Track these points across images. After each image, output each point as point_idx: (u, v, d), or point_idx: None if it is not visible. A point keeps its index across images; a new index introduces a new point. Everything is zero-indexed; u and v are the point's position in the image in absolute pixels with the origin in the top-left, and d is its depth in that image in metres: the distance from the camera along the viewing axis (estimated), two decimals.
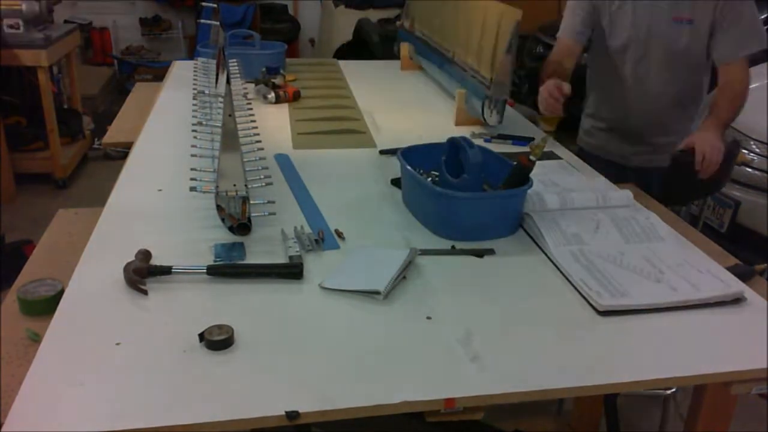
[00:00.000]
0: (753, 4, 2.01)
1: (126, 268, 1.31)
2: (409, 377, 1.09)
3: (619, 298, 1.30)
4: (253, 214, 1.52)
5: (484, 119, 2.22)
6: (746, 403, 1.32)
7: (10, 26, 3.85)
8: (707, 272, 1.41)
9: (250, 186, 1.57)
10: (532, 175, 1.87)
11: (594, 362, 1.15)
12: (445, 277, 1.39)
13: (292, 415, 0.99)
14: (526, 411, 2.28)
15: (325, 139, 2.21)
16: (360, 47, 5.40)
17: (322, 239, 1.49)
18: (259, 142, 1.84)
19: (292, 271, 1.36)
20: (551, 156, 2.08)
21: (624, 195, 1.72)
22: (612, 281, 1.36)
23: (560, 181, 1.84)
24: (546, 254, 1.49)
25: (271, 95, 2.55)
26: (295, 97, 2.59)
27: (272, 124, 2.31)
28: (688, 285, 1.35)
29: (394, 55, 3.32)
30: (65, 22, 5.27)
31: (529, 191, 1.68)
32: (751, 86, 3.71)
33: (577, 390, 1.11)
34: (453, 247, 1.50)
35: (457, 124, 2.34)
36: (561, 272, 1.41)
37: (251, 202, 1.52)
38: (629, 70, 2.15)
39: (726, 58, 2.04)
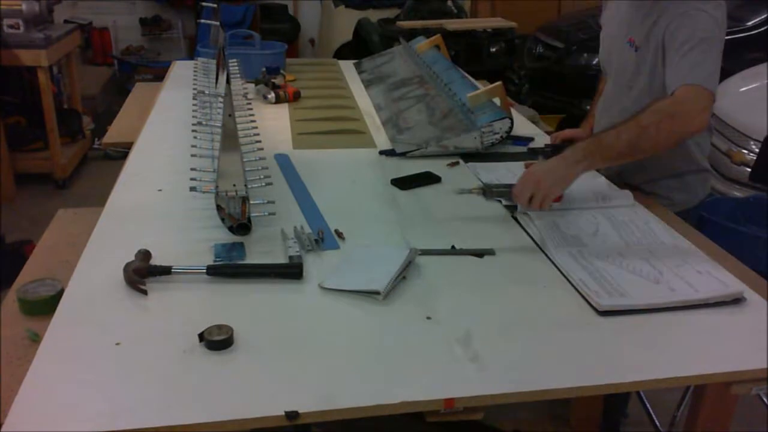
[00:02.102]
0: (707, 39, 1.58)
1: (126, 268, 1.31)
2: (409, 377, 1.09)
3: (618, 298, 1.30)
4: (253, 214, 1.52)
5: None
6: (746, 403, 1.32)
7: (10, 26, 3.85)
8: (706, 273, 1.41)
9: (250, 186, 1.57)
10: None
11: (594, 362, 1.15)
12: (445, 277, 1.39)
13: (292, 415, 0.99)
14: (526, 411, 2.28)
15: (325, 139, 2.21)
16: (360, 47, 5.40)
17: (322, 239, 1.49)
18: (259, 142, 1.84)
19: (292, 271, 1.36)
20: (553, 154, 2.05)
21: (624, 194, 1.71)
22: (611, 282, 1.36)
23: None
24: (546, 254, 1.49)
25: (271, 95, 2.55)
26: (295, 97, 2.60)
27: (272, 124, 2.31)
28: (687, 286, 1.36)
29: None
30: (65, 22, 5.27)
31: None
32: (751, 86, 3.70)
33: (577, 390, 1.11)
34: (453, 247, 1.50)
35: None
36: (561, 272, 1.41)
37: (251, 202, 1.52)
38: (604, 88, 2.00)
39: (671, 87, 1.58)
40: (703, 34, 1.57)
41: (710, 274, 1.41)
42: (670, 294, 1.33)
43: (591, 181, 1.86)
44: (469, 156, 2.05)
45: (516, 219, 1.63)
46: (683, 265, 1.44)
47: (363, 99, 2.65)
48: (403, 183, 1.83)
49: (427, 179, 1.87)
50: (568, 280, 1.38)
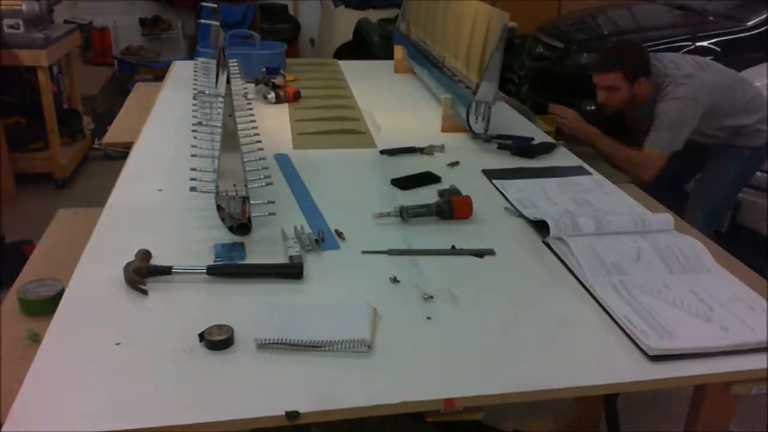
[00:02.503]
0: (680, 106, 2.34)
1: (126, 268, 1.31)
2: (409, 377, 1.09)
3: (668, 339, 1.17)
4: (253, 214, 1.52)
5: (469, 126, 2.16)
6: (746, 403, 1.31)
7: (10, 26, 3.85)
8: (761, 309, 1.28)
9: (250, 186, 1.57)
10: (560, 192, 1.80)
11: (594, 362, 1.15)
12: (445, 277, 1.39)
13: (292, 415, 0.99)
14: (526, 411, 2.28)
15: (326, 139, 2.21)
16: (360, 47, 5.40)
17: (322, 239, 1.49)
18: (259, 142, 1.84)
19: (292, 271, 1.36)
20: (581, 171, 1.99)
21: (664, 219, 1.58)
22: (658, 319, 1.23)
23: (594, 201, 1.74)
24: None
25: (271, 95, 2.56)
26: (295, 97, 2.60)
27: (272, 124, 2.31)
28: (741, 324, 1.23)
29: (393, 56, 3.32)
30: (65, 22, 5.26)
31: (562, 211, 1.60)
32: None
33: (577, 390, 1.11)
34: (453, 247, 1.49)
35: (444, 130, 2.29)
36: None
37: (251, 202, 1.52)
38: None
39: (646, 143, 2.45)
40: (675, 116, 2.36)
41: (765, 310, 1.28)
42: (724, 335, 1.20)
43: (627, 201, 1.76)
44: (494, 173, 1.95)
45: (547, 244, 1.53)
46: (734, 299, 1.31)
47: (363, 99, 2.65)
48: (404, 183, 1.83)
49: (428, 179, 1.87)
50: (613, 319, 1.26)
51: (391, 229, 1.59)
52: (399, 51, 3.11)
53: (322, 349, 1.12)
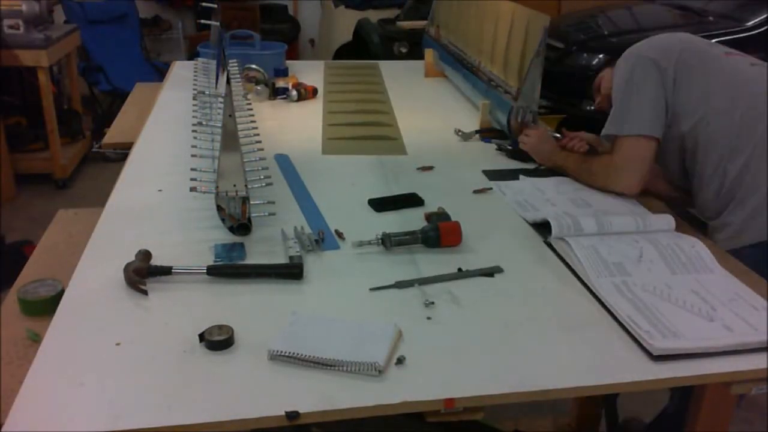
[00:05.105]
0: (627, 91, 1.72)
1: (126, 268, 1.32)
2: (409, 377, 1.09)
3: (671, 339, 1.17)
4: (253, 215, 1.52)
5: (509, 131, 2.09)
6: (746, 403, 1.31)
7: (11, 26, 3.85)
8: (763, 309, 1.28)
9: (250, 186, 1.57)
10: (558, 193, 1.76)
11: (594, 362, 1.15)
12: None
13: (292, 415, 0.99)
14: (526, 411, 2.28)
15: (356, 144, 2.16)
16: (360, 48, 5.40)
17: (323, 239, 1.49)
18: (259, 142, 1.84)
19: (292, 272, 1.36)
20: None
21: (665, 219, 1.57)
22: (662, 319, 1.23)
23: (592, 201, 1.72)
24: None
25: (294, 93, 2.58)
26: (314, 93, 2.64)
27: (301, 124, 2.33)
28: (744, 323, 1.23)
29: (394, 56, 3.30)
30: (65, 22, 5.26)
31: (562, 213, 1.57)
32: None
33: (577, 390, 1.11)
34: (459, 269, 1.42)
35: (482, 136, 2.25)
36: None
37: (251, 202, 1.52)
38: None
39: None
40: (618, 89, 1.77)
41: (767, 309, 1.28)
42: (728, 334, 1.20)
43: (626, 202, 1.73)
44: (495, 173, 1.93)
45: (549, 245, 1.52)
46: (737, 299, 1.31)
47: (393, 103, 2.61)
48: (380, 205, 1.69)
49: (409, 202, 1.72)
50: (612, 315, 1.26)
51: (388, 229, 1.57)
52: (430, 54, 3.05)
53: (333, 368, 1.10)
